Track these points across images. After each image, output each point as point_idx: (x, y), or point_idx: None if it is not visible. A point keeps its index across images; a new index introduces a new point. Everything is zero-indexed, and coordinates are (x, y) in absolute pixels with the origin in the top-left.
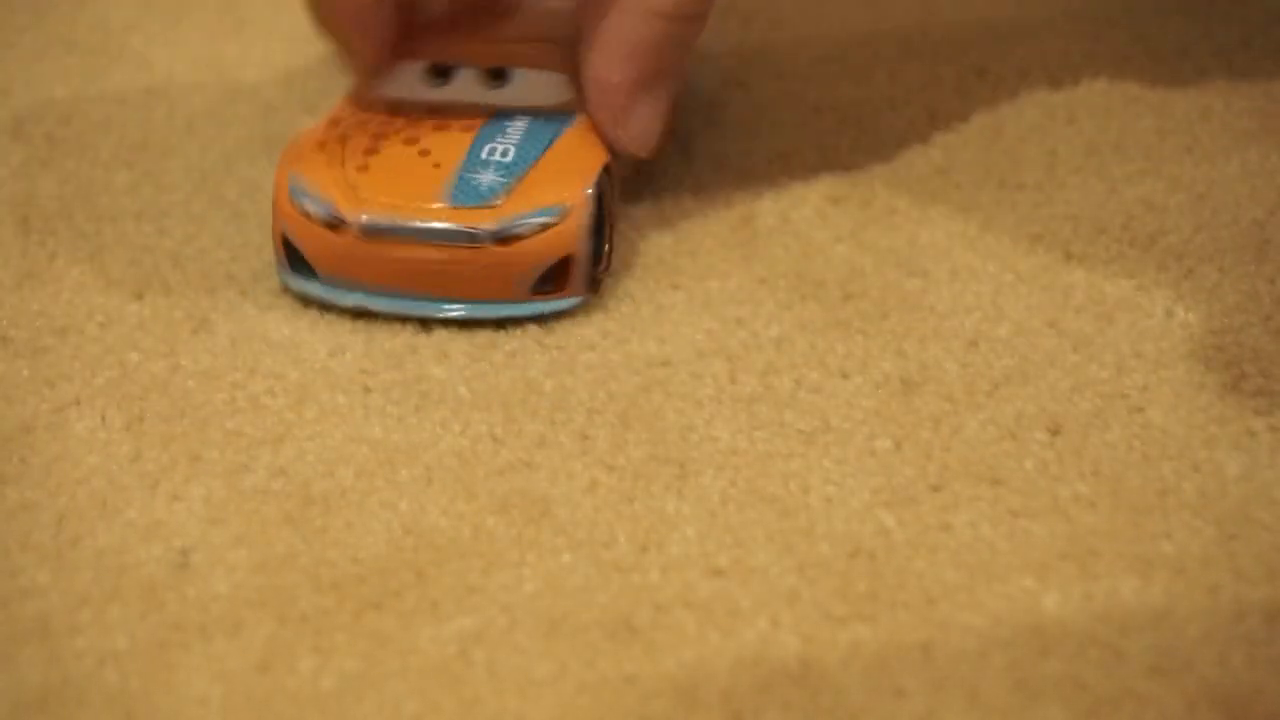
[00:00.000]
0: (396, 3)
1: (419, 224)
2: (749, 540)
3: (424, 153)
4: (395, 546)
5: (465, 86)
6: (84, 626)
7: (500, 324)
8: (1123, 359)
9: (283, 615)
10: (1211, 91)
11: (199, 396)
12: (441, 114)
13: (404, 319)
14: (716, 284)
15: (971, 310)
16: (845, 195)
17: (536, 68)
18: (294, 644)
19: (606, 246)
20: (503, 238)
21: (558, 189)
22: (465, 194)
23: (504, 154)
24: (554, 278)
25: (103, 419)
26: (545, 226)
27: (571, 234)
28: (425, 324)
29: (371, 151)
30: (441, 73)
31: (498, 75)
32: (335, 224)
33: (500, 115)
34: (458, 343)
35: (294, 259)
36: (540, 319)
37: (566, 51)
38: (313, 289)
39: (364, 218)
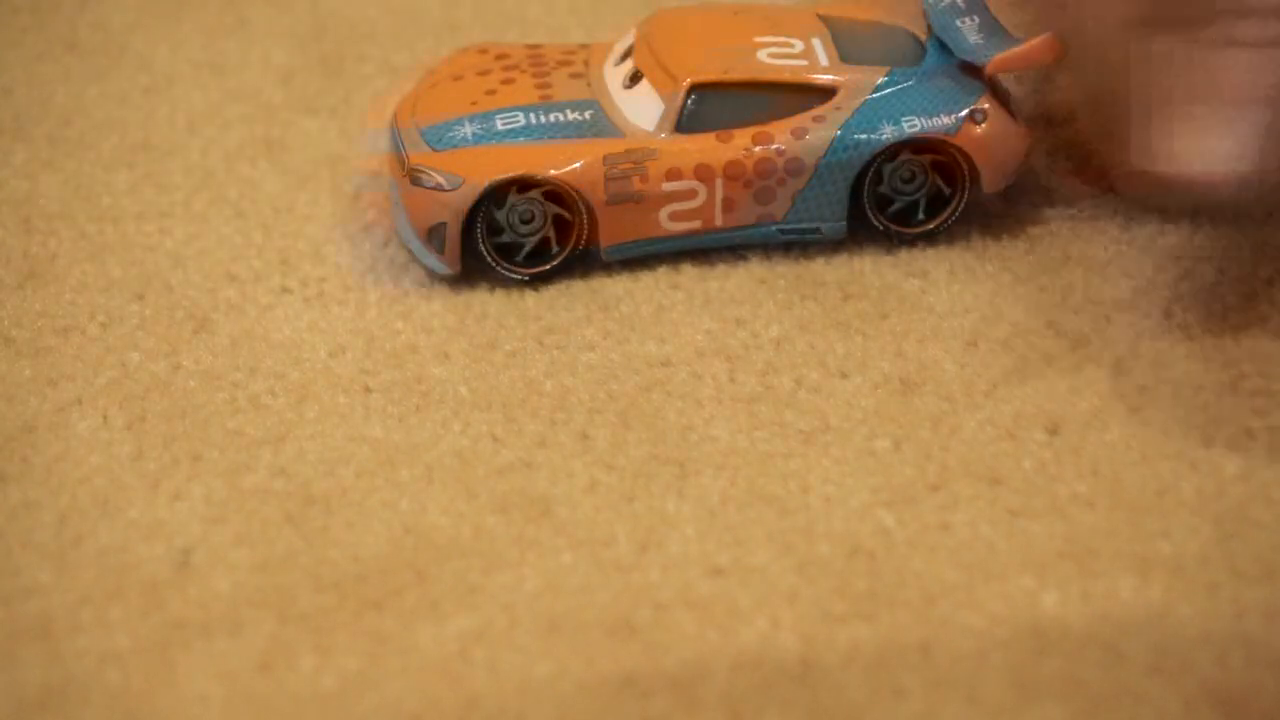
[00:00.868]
0: None
1: None
2: (749, 540)
3: None
4: (396, 546)
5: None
6: (86, 625)
7: (501, 323)
8: (1122, 359)
9: (283, 614)
10: None
11: (200, 396)
12: None
13: (405, 317)
14: (716, 284)
15: (971, 310)
16: None
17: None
18: (295, 643)
19: None
20: None
21: None
22: None
23: None
24: None
25: (104, 418)
26: None
27: None
28: (426, 323)
29: None
30: None
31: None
32: None
33: None
34: (458, 342)
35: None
36: (540, 319)
37: None
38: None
39: None
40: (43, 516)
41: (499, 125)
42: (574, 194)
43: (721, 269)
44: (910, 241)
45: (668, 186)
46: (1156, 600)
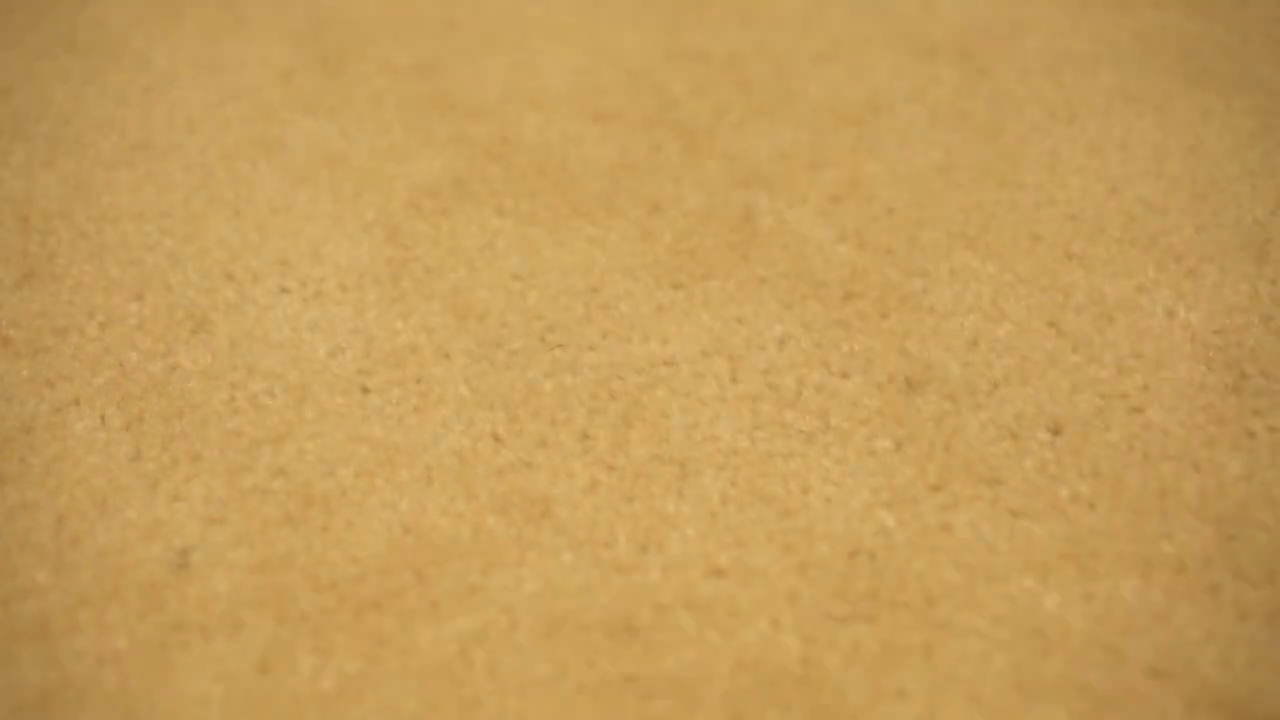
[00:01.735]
0: None
1: None
2: (749, 540)
3: None
4: (395, 546)
5: None
6: (84, 626)
7: (502, 323)
8: (1123, 359)
9: (283, 615)
10: (1212, 91)
11: (199, 396)
12: None
13: (405, 317)
14: (717, 284)
15: (971, 310)
16: (845, 195)
17: None
18: (294, 644)
19: None
20: None
21: None
22: None
23: None
24: None
25: (102, 419)
26: None
27: None
28: (426, 323)
29: None
30: None
31: None
32: None
33: None
34: (460, 341)
35: None
36: (542, 318)
37: None
38: None
39: None
40: (40, 517)
41: None
42: None
43: (722, 269)
44: None
45: None
46: (1158, 601)
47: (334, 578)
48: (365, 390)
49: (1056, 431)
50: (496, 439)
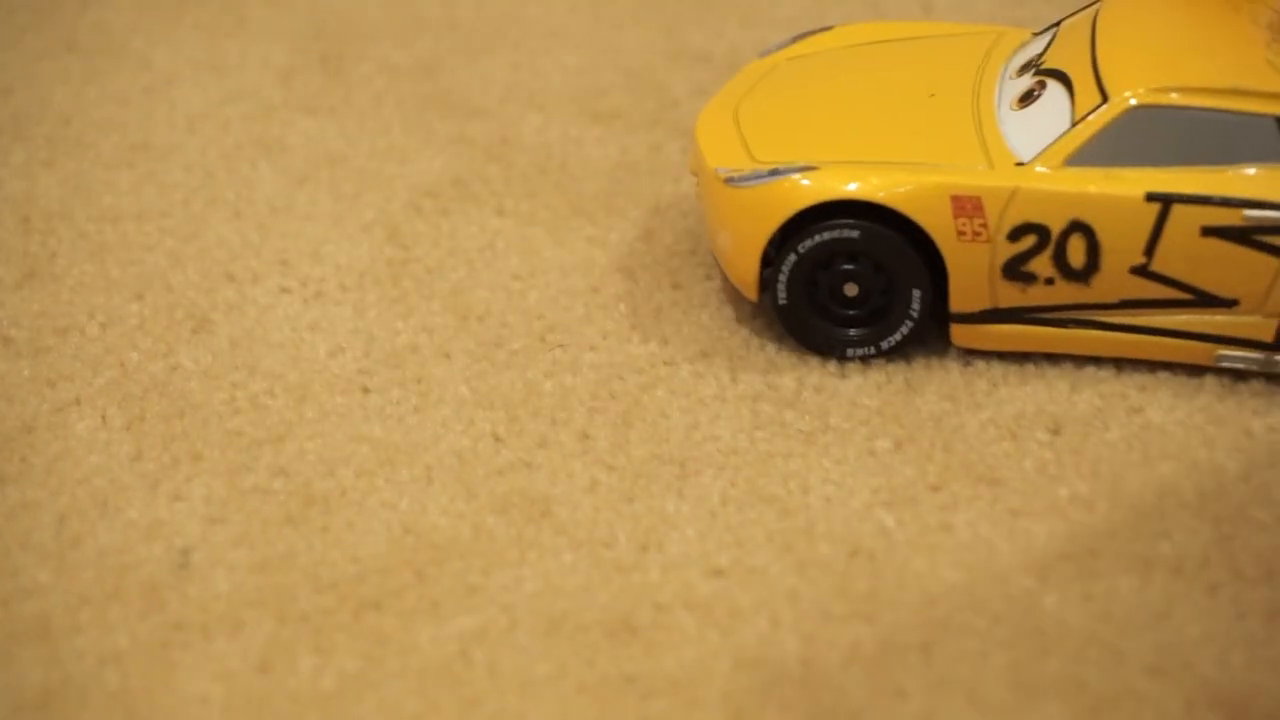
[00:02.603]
0: None
1: None
2: (749, 540)
3: None
4: (395, 546)
5: None
6: (85, 626)
7: (503, 322)
8: (1123, 359)
9: (283, 615)
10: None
11: (199, 396)
12: None
13: (405, 317)
14: (717, 284)
15: None
16: None
17: None
18: (294, 644)
19: None
20: None
21: None
22: None
23: None
24: None
25: (103, 419)
26: None
27: None
28: (426, 323)
29: None
30: None
31: None
32: None
33: None
34: (460, 341)
35: None
36: (542, 318)
37: None
38: None
39: None
40: (41, 517)
41: None
42: None
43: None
44: None
45: None
46: (1157, 600)
47: (334, 578)
48: (365, 390)
49: (1056, 431)
50: (496, 439)
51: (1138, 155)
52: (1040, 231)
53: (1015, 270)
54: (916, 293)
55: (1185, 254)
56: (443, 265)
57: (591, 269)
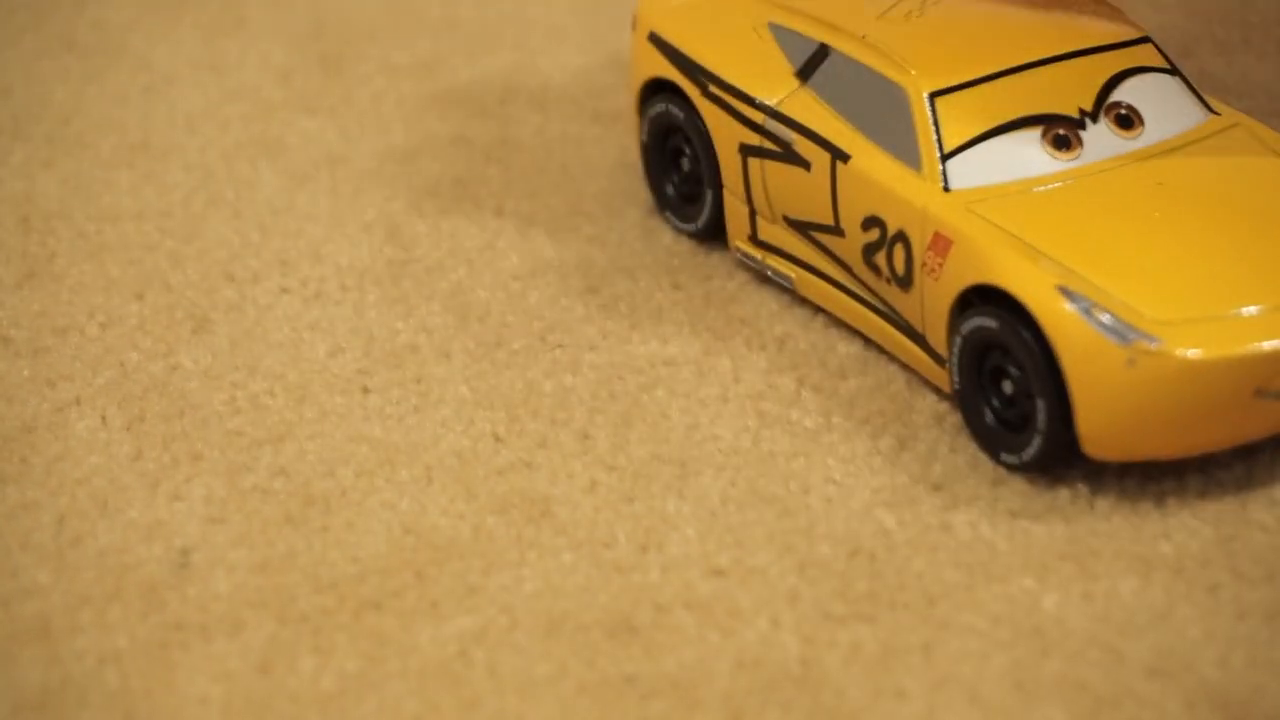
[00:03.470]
0: None
1: None
2: (749, 540)
3: None
4: (395, 546)
5: None
6: (84, 626)
7: (503, 323)
8: None
9: (283, 615)
10: (1211, 91)
11: (199, 396)
12: None
13: (405, 317)
14: (718, 284)
15: None
16: None
17: None
18: (294, 644)
19: None
20: None
21: None
22: None
23: None
24: None
25: (103, 419)
26: None
27: None
28: (426, 323)
29: None
30: None
31: None
32: None
33: None
34: (460, 341)
35: None
36: (542, 318)
37: None
38: None
39: None
40: (41, 517)
41: None
42: None
43: (723, 269)
44: None
45: None
46: (1158, 601)
47: (334, 578)
48: (365, 390)
49: None
50: (496, 439)
51: None
52: None
53: None
54: None
55: None
56: (443, 265)
57: (591, 269)
